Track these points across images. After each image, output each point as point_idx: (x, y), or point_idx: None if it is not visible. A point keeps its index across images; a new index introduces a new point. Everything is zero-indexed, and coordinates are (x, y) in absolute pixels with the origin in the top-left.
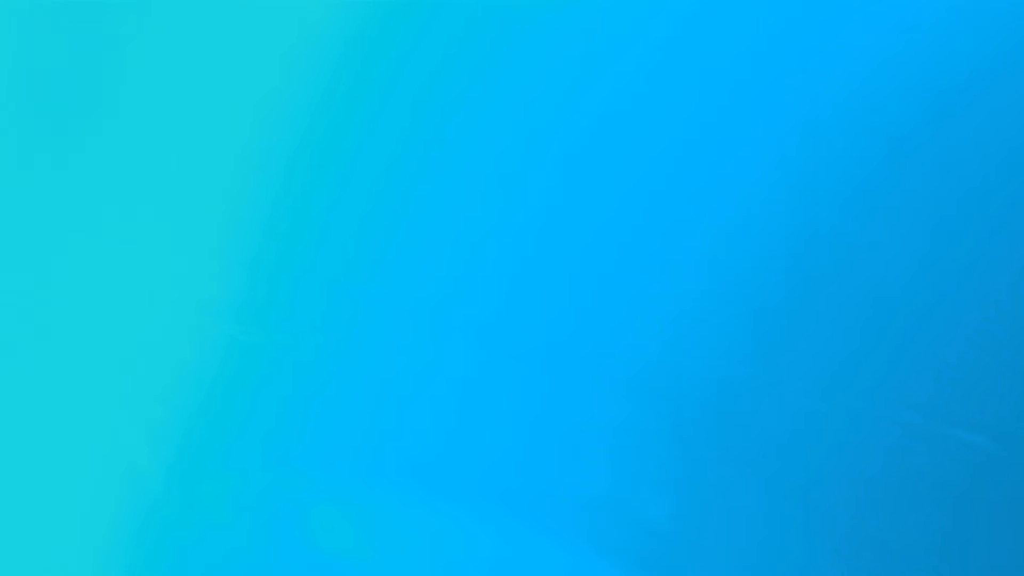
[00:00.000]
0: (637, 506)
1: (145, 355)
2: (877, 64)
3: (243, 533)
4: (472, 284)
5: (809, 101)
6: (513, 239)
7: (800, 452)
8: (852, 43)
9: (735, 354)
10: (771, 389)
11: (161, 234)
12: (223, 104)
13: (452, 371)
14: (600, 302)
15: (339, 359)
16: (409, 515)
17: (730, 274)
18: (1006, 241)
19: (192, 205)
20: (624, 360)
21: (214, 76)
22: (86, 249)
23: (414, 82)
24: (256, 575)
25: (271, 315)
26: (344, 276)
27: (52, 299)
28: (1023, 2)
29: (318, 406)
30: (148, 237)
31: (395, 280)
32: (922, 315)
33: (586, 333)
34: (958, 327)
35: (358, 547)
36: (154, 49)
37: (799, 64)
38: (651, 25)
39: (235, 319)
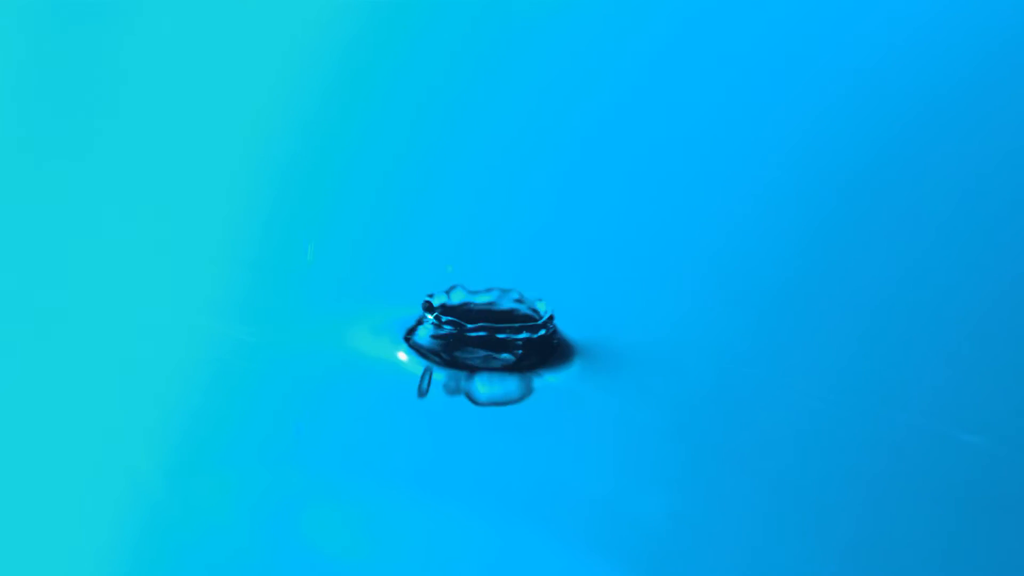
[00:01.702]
0: (635, 506)
1: (144, 355)
2: (876, 64)
3: (242, 533)
4: (471, 283)
5: (811, 102)
6: (512, 239)
7: (800, 452)
8: (851, 43)
9: (735, 354)
10: (771, 389)
11: (161, 234)
12: (224, 104)
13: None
14: (599, 302)
15: (338, 359)
16: (407, 515)
17: (730, 274)
18: (1006, 242)
19: (192, 205)
20: (623, 360)
21: (214, 76)
22: (86, 249)
23: (415, 82)
24: (255, 575)
25: (271, 315)
26: (344, 276)
27: (52, 299)
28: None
29: (317, 406)
30: (148, 237)
31: (395, 280)
32: (922, 315)
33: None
34: (958, 327)
35: (356, 547)
36: (154, 49)
37: (798, 64)
38: (651, 24)
39: (235, 319)
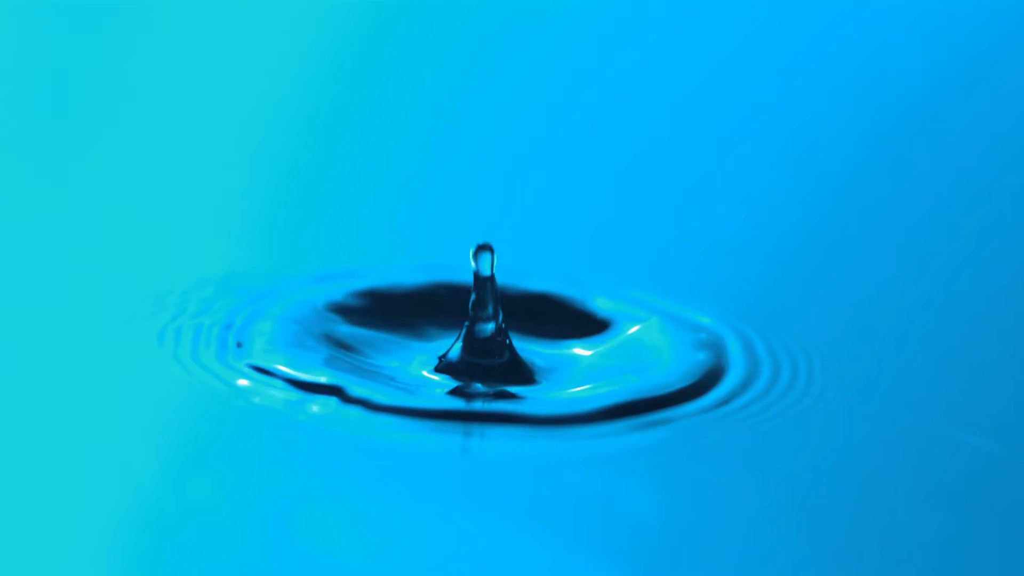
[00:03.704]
0: (628, 505)
1: (142, 354)
2: (872, 62)
3: (238, 533)
4: (469, 282)
5: (808, 98)
6: (509, 240)
7: (797, 452)
8: (848, 41)
9: (731, 352)
10: (768, 388)
11: (160, 233)
12: (223, 104)
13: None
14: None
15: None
16: (402, 514)
17: (726, 270)
18: (1005, 241)
19: (192, 203)
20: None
21: (213, 76)
22: (84, 248)
23: (414, 80)
24: (252, 575)
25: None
26: (344, 274)
27: (50, 298)
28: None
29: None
30: (147, 236)
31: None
32: (920, 314)
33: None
34: (957, 327)
35: (352, 547)
36: (154, 49)
37: (795, 62)
38: (651, 24)
39: (233, 318)
